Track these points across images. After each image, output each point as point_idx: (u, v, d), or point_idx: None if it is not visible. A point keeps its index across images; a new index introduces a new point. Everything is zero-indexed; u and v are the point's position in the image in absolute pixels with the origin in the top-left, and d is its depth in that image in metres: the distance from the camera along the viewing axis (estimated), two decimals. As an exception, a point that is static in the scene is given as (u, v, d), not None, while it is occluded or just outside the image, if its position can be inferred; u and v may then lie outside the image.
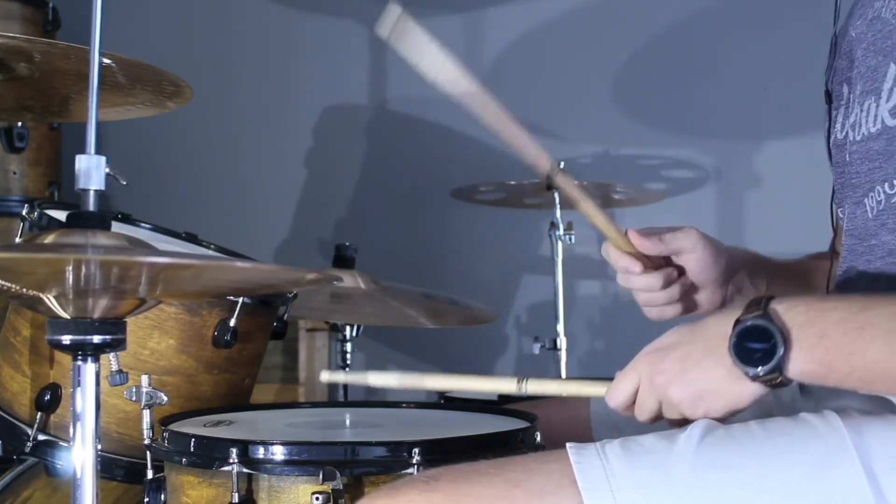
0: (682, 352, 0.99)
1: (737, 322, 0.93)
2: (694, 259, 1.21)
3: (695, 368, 0.97)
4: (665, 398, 1.00)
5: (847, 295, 0.98)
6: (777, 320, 0.91)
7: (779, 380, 0.92)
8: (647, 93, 2.78)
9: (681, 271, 1.22)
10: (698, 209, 2.68)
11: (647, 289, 1.21)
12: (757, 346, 0.92)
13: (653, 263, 1.20)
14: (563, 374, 2.30)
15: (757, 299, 0.94)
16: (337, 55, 3.03)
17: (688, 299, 1.24)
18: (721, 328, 0.95)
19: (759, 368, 0.92)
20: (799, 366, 0.91)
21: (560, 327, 2.32)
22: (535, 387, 1.10)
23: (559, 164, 1.18)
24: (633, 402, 1.03)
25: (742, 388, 0.95)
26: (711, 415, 0.98)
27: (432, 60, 1.05)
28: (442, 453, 1.07)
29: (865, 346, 0.89)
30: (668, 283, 1.20)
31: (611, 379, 1.05)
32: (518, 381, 1.10)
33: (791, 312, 0.92)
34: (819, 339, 0.91)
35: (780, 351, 0.91)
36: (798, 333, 0.91)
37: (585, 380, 1.14)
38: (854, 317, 0.90)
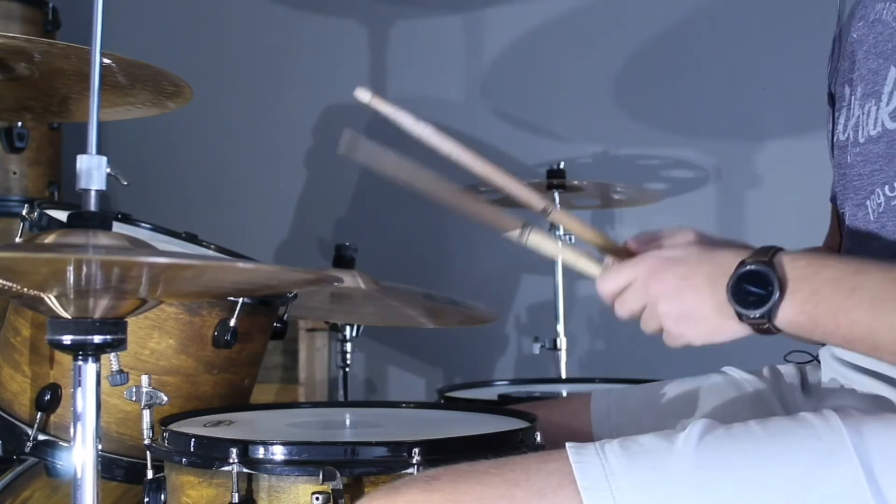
0: (684, 270, 1.02)
1: (741, 263, 0.96)
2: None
3: (691, 291, 1.01)
4: (652, 306, 1.03)
5: (848, 256, 1.01)
6: (779, 269, 0.95)
7: (766, 325, 0.96)
8: (647, 93, 2.78)
9: None
10: (698, 209, 2.68)
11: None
12: (754, 289, 0.95)
13: None
14: (563, 375, 2.31)
15: (767, 247, 0.98)
16: (337, 55, 3.03)
17: None
18: (728, 262, 0.98)
19: (751, 311, 0.95)
20: (788, 315, 0.95)
21: (560, 327, 2.32)
22: (536, 239, 1.12)
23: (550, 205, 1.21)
24: (619, 295, 1.05)
25: (727, 324, 0.98)
26: (686, 338, 1.01)
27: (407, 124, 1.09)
28: (442, 453, 1.07)
29: (853, 307, 0.92)
30: None
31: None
32: (523, 227, 1.12)
33: (792, 265, 0.95)
34: (811, 294, 0.94)
35: (775, 298, 0.94)
36: (793, 285, 0.95)
37: (584, 255, 1.15)
38: (848, 277, 0.94)
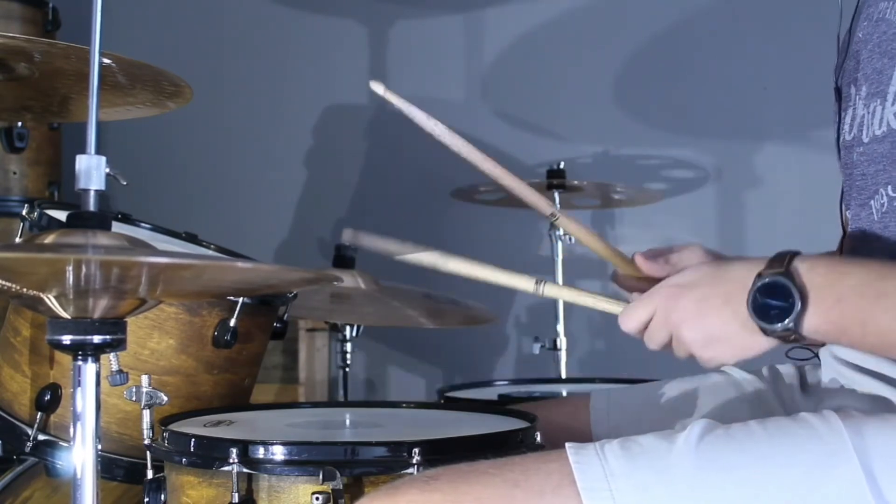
0: (700, 293, 1.01)
1: (758, 276, 0.95)
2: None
3: (711, 313, 0.99)
4: (677, 335, 1.02)
5: (868, 260, 1.00)
6: (797, 279, 0.93)
7: (792, 336, 0.94)
8: (647, 93, 2.78)
9: None
10: (698, 209, 2.68)
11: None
12: (775, 302, 0.94)
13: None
14: (563, 375, 2.31)
15: (781, 255, 0.96)
16: (337, 55, 3.03)
17: None
18: (743, 278, 0.96)
19: (776, 325, 0.94)
20: (814, 325, 0.93)
21: (560, 327, 2.32)
22: (551, 290, 1.13)
23: (557, 207, 1.23)
24: (644, 329, 1.05)
25: (755, 339, 0.97)
26: (719, 359, 1.00)
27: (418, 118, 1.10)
28: (442, 453, 1.07)
29: (880, 314, 0.91)
30: None
31: (626, 301, 1.07)
32: (536, 283, 1.12)
33: (811, 273, 0.94)
34: (835, 302, 0.93)
35: (797, 309, 0.93)
36: (816, 294, 0.93)
37: (602, 295, 1.15)
38: (872, 283, 0.93)
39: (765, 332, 0.95)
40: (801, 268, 0.94)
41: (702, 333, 1.00)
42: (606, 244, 1.21)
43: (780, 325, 0.94)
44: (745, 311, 0.95)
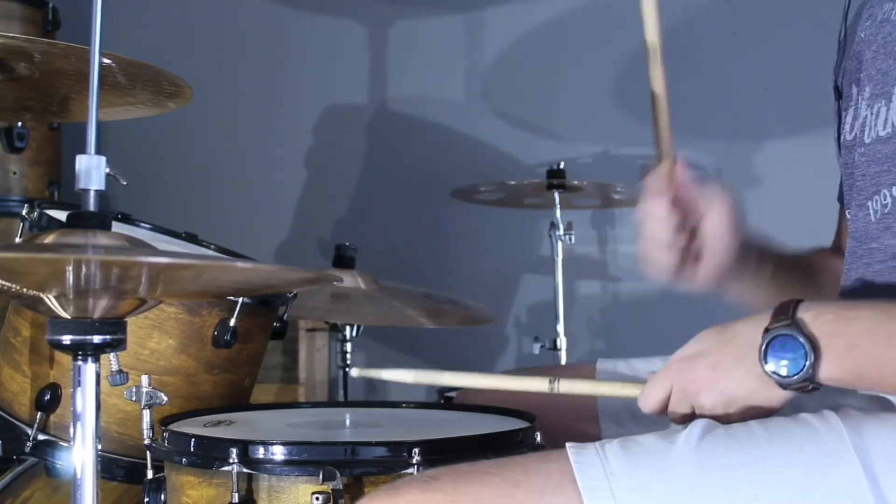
0: (711, 360, 1.00)
1: (765, 331, 0.94)
2: (717, 218, 1.19)
3: (725, 377, 0.98)
4: (697, 405, 1.01)
5: (874, 302, 0.98)
6: (805, 330, 0.92)
7: (811, 386, 0.93)
8: (647, 93, 2.77)
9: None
10: (698, 209, 2.67)
11: (661, 218, 1.19)
12: (786, 355, 0.93)
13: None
14: (563, 374, 2.30)
15: (784, 305, 0.95)
16: (337, 55, 3.03)
17: (687, 262, 1.20)
18: (750, 336, 0.96)
19: (791, 377, 0.93)
20: (829, 373, 0.93)
21: (560, 327, 2.32)
22: (567, 387, 1.11)
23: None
24: (666, 406, 1.04)
25: (774, 393, 0.96)
26: (745, 418, 0.99)
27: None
28: (442, 453, 1.07)
29: (894, 355, 0.91)
30: (681, 225, 1.19)
31: (643, 381, 1.06)
32: (550, 382, 1.11)
33: (818, 321, 0.93)
34: (847, 350, 0.92)
35: (811, 360, 0.92)
36: (826, 342, 0.92)
37: (618, 382, 1.15)
38: (882, 326, 0.92)
39: (782, 386, 0.94)
40: (807, 317, 0.93)
41: (721, 399, 0.99)
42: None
43: (795, 377, 0.93)
44: (759, 369, 0.95)
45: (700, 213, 1.19)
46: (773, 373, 0.94)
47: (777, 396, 0.96)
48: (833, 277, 1.23)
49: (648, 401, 1.04)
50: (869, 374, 0.93)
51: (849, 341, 0.92)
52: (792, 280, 1.30)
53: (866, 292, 1.08)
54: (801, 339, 0.92)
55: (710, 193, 1.19)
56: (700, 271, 1.20)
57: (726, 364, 0.99)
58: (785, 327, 0.93)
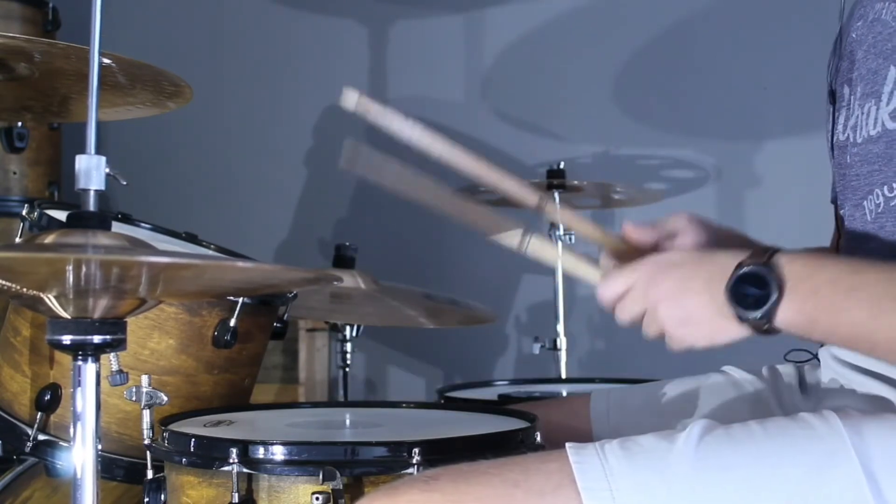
0: (683, 273, 1.02)
1: (739, 264, 0.96)
2: (689, 241, 1.21)
3: (690, 294, 1.01)
4: (652, 311, 1.03)
5: (846, 257, 1.02)
6: (777, 270, 0.95)
7: (766, 326, 0.96)
8: (647, 93, 2.78)
9: None
10: (698, 209, 2.64)
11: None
12: (752, 290, 0.95)
13: None
14: (563, 374, 2.31)
15: (764, 248, 0.98)
16: (337, 55, 3.03)
17: None
18: (726, 265, 0.98)
19: (750, 313, 0.95)
20: (787, 316, 0.95)
21: (560, 327, 2.32)
22: (536, 245, 1.13)
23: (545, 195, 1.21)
24: (619, 300, 1.05)
25: (728, 326, 0.98)
26: (689, 341, 1.01)
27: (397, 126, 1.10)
28: (442, 453, 1.07)
29: (851, 307, 0.93)
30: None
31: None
32: (523, 234, 1.13)
33: (790, 265, 0.95)
34: (810, 295, 0.94)
35: (773, 299, 0.94)
36: (792, 286, 0.94)
37: (584, 260, 1.16)
38: (846, 277, 0.94)
39: (739, 318, 0.96)
40: (782, 260, 0.95)
41: (677, 313, 1.01)
42: (598, 228, 1.21)
43: (754, 313, 0.95)
44: (723, 296, 0.97)
45: (672, 238, 1.20)
46: (736, 303, 0.95)
47: (730, 331, 0.98)
48: None
49: (607, 289, 1.06)
50: (824, 322, 0.94)
51: (812, 287, 0.94)
52: None
53: None
54: (770, 278, 0.94)
55: (666, 219, 1.19)
56: None
57: (695, 283, 1.01)
58: (758, 265, 0.95)
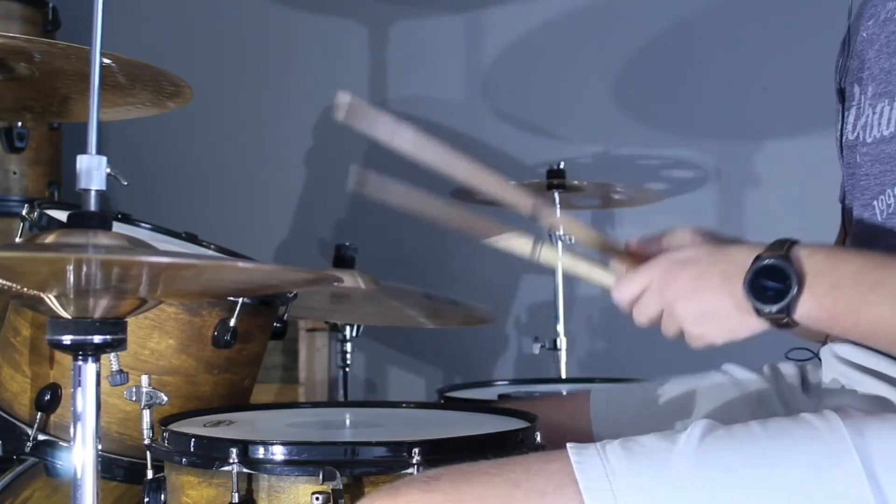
0: (698, 270, 1.01)
1: (757, 258, 0.95)
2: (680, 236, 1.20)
3: (707, 290, 1.00)
4: (670, 309, 1.02)
5: (867, 251, 1.00)
6: (796, 263, 0.94)
7: (784, 320, 0.95)
8: (647, 93, 2.78)
9: None
10: (698, 209, 2.68)
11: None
12: (771, 284, 0.94)
13: None
14: (563, 375, 2.30)
15: (782, 240, 0.97)
16: (337, 55, 3.03)
17: None
18: (742, 259, 0.97)
19: (769, 306, 0.94)
20: (807, 310, 0.94)
21: (560, 327, 2.32)
22: (549, 254, 1.12)
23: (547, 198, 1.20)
24: (635, 301, 1.05)
25: (747, 320, 0.97)
26: (708, 337, 1.01)
27: (388, 130, 1.09)
28: (442, 453, 1.07)
29: (873, 302, 0.92)
30: None
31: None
32: (535, 244, 1.12)
33: (810, 259, 0.94)
34: (831, 289, 0.93)
35: (793, 293, 0.93)
36: (812, 280, 0.93)
37: (598, 265, 1.15)
38: (868, 272, 0.93)
39: (758, 312, 0.95)
40: (801, 253, 0.95)
41: (695, 309, 1.00)
42: (600, 235, 1.20)
43: (774, 307, 0.94)
44: (741, 291, 0.96)
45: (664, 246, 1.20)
46: (755, 297, 0.94)
47: (748, 325, 0.98)
48: None
49: (622, 291, 1.06)
50: (845, 317, 0.94)
51: (833, 281, 0.93)
52: None
53: None
54: (790, 271, 0.93)
55: (671, 234, 1.19)
56: None
57: (712, 279, 1.00)
58: (777, 258, 0.94)
